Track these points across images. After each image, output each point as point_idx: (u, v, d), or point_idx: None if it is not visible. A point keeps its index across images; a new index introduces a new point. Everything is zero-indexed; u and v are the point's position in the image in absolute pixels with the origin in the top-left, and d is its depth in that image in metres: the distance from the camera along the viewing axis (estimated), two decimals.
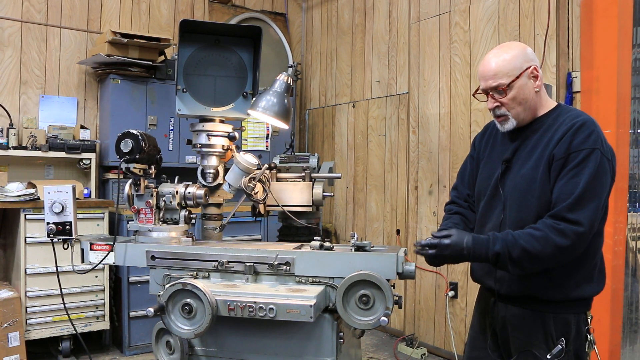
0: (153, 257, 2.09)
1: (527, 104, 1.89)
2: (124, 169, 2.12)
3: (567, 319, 1.84)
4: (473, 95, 2.02)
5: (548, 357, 1.81)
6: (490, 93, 1.91)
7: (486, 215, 2.00)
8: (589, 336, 1.86)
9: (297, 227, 2.58)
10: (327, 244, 2.02)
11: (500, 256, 1.76)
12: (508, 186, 1.92)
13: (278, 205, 2.53)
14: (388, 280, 1.86)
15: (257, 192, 2.42)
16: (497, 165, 1.98)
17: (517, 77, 1.86)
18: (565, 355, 1.81)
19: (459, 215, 2.14)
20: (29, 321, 3.68)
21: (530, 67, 1.87)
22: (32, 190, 3.70)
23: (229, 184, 2.37)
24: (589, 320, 1.88)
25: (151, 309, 1.85)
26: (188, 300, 1.86)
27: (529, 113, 1.91)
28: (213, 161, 2.47)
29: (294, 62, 2.61)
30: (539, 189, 1.83)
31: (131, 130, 2.11)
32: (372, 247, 2.03)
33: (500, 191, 1.93)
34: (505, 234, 1.79)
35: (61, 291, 2.68)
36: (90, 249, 2.16)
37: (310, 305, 1.77)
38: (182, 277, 1.99)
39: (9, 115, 4.20)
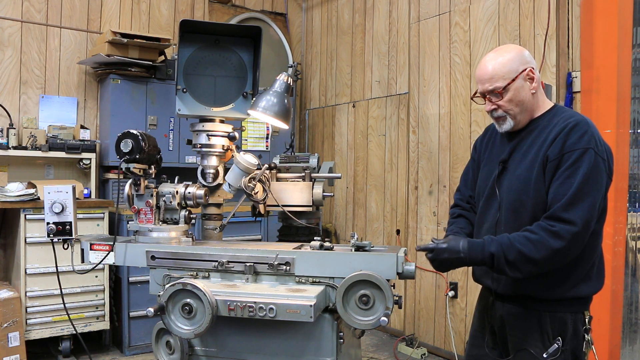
0: (153, 257, 2.09)
1: (523, 105, 1.90)
2: (124, 169, 2.12)
3: (564, 318, 1.84)
4: (471, 99, 2.03)
5: (544, 355, 1.82)
6: (488, 96, 1.93)
7: (483, 216, 2.03)
8: (586, 336, 1.86)
9: (297, 227, 2.58)
10: (327, 244, 2.02)
11: (496, 258, 1.77)
12: (504, 186, 1.94)
13: (278, 205, 2.53)
14: (388, 280, 1.86)
15: (257, 192, 2.42)
16: (495, 166, 2.00)
17: (513, 80, 1.87)
18: (561, 354, 1.82)
19: (462, 218, 2.16)
20: (29, 321, 3.68)
21: (526, 69, 1.89)
22: (32, 190, 3.70)
23: (229, 184, 2.37)
24: (586, 320, 1.87)
25: (151, 309, 1.85)
26: (188, 300, 1.87)
27: (526, 115, 1.93)
28: (213, 161, 2.47)
29: (294, 62, 2.61)
30: (533, 189, 1.84)
31: (131, 130, 2.11)
32: (372, 247, 2.03)
33: (497, 191, 1.95)
34: (501, 237, 1.80)
35: (61, 291, 2.69)
36: (90, 249, 2.16)
37: (310, 305, 1.77)
38: (182, 277, 1.99)
39: (9, 115, 4.20)
